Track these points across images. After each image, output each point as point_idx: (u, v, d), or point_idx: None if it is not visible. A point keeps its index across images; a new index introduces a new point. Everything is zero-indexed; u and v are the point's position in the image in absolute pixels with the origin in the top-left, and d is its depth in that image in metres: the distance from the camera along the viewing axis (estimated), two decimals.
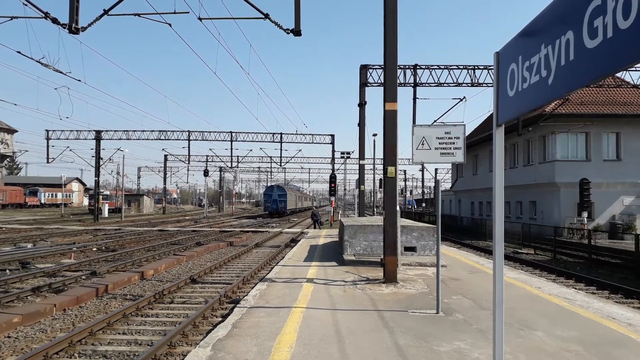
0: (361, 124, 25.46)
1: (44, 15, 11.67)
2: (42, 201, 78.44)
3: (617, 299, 12.12)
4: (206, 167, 62.53)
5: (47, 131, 43.46)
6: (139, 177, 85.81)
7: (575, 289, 11.53)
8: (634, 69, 25.74)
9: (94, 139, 44.09)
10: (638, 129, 27.11)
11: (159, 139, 46.73)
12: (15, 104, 74.81)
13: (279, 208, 56.99)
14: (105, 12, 12.43)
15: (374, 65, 25.69)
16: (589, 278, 14.62)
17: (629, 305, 10.63)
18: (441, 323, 6.81)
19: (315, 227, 33.39)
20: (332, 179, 37.98)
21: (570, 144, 27.70)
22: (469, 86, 26.84)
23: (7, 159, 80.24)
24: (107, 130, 44.89)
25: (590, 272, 16.81)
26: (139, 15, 13.45)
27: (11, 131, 57.26)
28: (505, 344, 4.47)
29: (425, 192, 79.05)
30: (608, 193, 26.79)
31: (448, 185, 58.11)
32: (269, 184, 74.63)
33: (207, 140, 47.34)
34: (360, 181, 28.02)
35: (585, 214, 24.95)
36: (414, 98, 26.16)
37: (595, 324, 6.79)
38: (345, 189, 76.64)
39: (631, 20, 1.99)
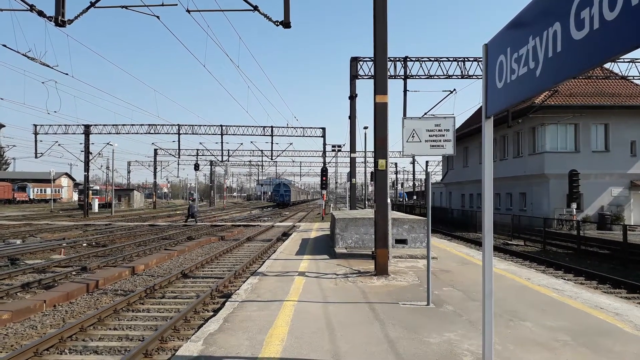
0: (352, 117, 25.43)
1: (29, 7, 11.49)
2: (31, 197, 77.72)
3: (605, 289, 12.26)
4: (197, 161, 62.25)
5: (35, 126, 42.98)
6: (128, 172, 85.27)
7: (564, 279, 11.65)
8: (621, 60, 25.93)
9: (82, 134, 43.70)
10: (626, 120, 27.37)
11: (149, 133, 46.38)
12: (2, 99, 73.77)
13: (284, 200, 72.53)
14: (92, 4, 12.26)
15: (364, 58, 25.65)
16: (578, 269, 14.77)
17: (617, 295, 10.77)
18: (432, 314, 6.85)
19: (187, 221, 32.44)
20: (324, 172, 37.99)
21: (559, 135, 27.91)
22: (459, 78, 26.90)
23: None
24: (96, 125, 44.52)
25: (579, 262, 16.98)
26: (126, 7, 13.29)
27: None
28: (495, 334, 4.51)
29: (416, 184, 79.33)
30: (597, 184, 27.06)
31: (439, 178, 58.36)
32: (275, 181, 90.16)
33: (197, 134, 47.05)
34: (352, 174, 28.05)
35: (574, 205, 25.19)
36: (405, 90, 26.18)
37: (583, 314, 6.87)
38: (336, 182, 76.68)
39: (617, 12, 2.00)
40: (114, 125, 44.86)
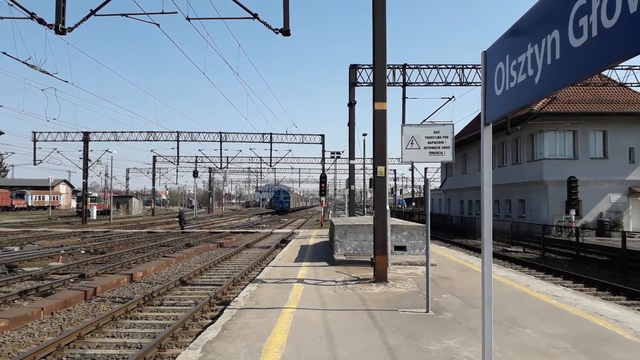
0: (351, 124, 25.47)
1: (29, 15, 11.52)
2: (30, 204, 77.57)
3: (605, 295, 12.24)
4: (195, 168, 62.18)
5: (34, 133, 42.95)
6: (127, 179, 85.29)
7: (564, 286, 11.62)
8: (619, 67, 26.05)
9: (81, 141, 43.67)
10: (624, 127, 27.44)
11: (148, 140, 46.39)
12: (1, 106, 73.88)
13: (284, 207, 74.49)
14: (92, 12, 12.30)
15: (363, 65, 25.73)
16: (577, 275, 14.75)
17: (616, 302, 10.74)
18: (431, 322, 6.83)
19: (180, 227, 33.78)
20: (323, 179, 37.97)
21: (558, 142, 27.97)
22: (457, 85, 26.98)
23: None
24: (95, 132, 44.53)
25: (578, 269, 16.95)
26: (126, 15, 13.33)
27: None
28: (495, 341, 4.49)
29: (415, 191, 79.31)
30: (595, 191, 27.08)
31: (438, 185, 58.38)
32: (275, 188, 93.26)
33: (196, 141, 47.05)
34: (351, 181, 28.07)
35: (573, 212, 25.18)
36: (403, 97, 26.24)
37: (583, 321, 6.85)
38: (335, 189, 76.84)
39: (615, 20, 2.01)
40: (113, 132, 44.91)
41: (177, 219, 37.58)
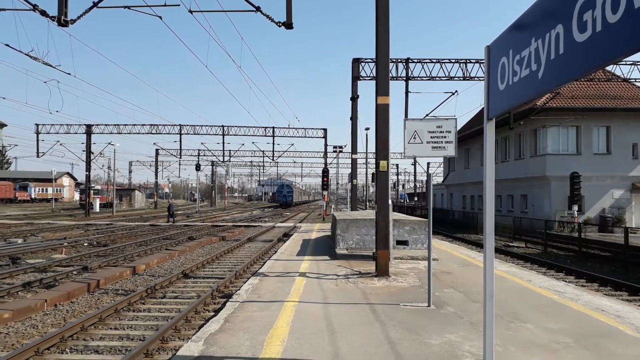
0: (353, 118, 25.43)
1: (32, 7, 11.52)
2: (33, 196, 77.81)
3: (607, 291, 12.25)
4: (198, 161, 62.26)
5: (37, 125, 43.05)
6: (130, 172, 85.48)
7: (566, 281, 11.64)
8: (623, 62, 25.93)
9: (84, 133, 43.74)
10: (628, 123, 27.34)
11: (151, 133, 46.47)
12: (4, 98, 73.78)
13: (287, 201, 77.08)
14: (95, 4, 12.29)
15: (366, 59, 25.65)
16: (579, 271, 14.76)
17: (618, 298, 10.75)
18: (432, 316, 6.85)
19: (168, 221, 33.99)
20: (325, 173, 37.98)
21: (561, 137, 27.90)
22: (460, 80, 26.88)
23: None
24: (97, 125, 44.58)
25: (580, 265, 16.95)
26: (128, 7, 13.31)
27: (0, 125, 56.61)
28: (496, 336, 4.51)
29: (417, 186, 79.28)
30: (598, 186, 27.02)
31: (440, 179, 58.32)
32: (278, 182, 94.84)
33: (198, 134, 47.13)
34: (353, 175, 28.04)
35: (575, 207, 25.16)
36: (406, 92, 26.17)
37: (584, 316, 6.86)
38: (337, 183, 76.82)
39: (620, 15, 2.01)
40: (115, 125, 44.96)
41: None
